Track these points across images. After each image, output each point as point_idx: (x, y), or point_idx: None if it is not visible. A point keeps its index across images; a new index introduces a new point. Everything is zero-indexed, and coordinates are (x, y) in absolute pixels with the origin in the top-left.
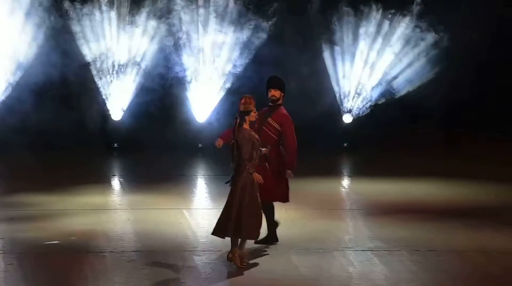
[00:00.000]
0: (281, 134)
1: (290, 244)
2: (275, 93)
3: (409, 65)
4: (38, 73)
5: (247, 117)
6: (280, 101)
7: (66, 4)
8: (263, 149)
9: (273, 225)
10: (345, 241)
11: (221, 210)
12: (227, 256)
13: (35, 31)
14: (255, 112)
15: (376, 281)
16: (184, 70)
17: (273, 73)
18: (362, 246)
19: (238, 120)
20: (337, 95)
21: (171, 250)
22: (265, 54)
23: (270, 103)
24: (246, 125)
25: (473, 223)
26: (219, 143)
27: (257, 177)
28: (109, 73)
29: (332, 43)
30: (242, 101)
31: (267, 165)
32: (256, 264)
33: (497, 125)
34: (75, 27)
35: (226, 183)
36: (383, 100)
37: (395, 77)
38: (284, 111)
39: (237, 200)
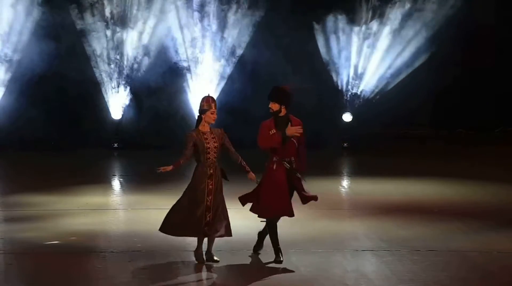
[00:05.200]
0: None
1: (290, 244)
2: (272, 106)
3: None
4: (36, 71)
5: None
6: (282, 114)
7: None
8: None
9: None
10: (345, 241)
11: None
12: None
13: (32, 27)
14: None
15: (376, 281)
16: (183, 66)
17: (277, 85)
18: (362, 246)
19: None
20: (336, 76)
21: (171, 250)
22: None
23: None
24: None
25: (473, 223)
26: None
27: None
28: (109, 71)
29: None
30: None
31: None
32: (256, 264)
33: (497, 125)
34: (75, 23)
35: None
36: (379, 93)
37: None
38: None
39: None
